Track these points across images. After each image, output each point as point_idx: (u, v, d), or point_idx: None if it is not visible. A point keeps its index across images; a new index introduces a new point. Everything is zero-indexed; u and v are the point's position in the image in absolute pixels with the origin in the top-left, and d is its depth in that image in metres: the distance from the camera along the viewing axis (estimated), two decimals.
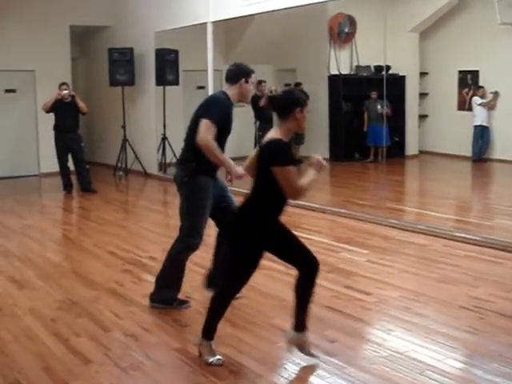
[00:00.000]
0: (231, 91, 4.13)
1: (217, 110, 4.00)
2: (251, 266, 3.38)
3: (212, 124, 3.90)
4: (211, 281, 4.40)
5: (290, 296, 4.49)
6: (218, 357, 3.40)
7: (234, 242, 3.41)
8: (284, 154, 3.19)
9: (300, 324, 3.44)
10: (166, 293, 4.31)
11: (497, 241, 5.73)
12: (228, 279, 3.46)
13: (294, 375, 3.33)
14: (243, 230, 3.32)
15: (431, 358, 3.44)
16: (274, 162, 3.15)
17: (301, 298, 3.43)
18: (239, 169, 3.93)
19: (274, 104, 3.40)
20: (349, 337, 3.77)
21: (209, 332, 3.42)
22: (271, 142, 3.24)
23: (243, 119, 11.27)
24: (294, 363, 3.45)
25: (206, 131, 3.89)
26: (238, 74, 4.13)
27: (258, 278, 4.95)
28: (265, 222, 3.31)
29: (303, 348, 3.46)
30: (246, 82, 4.11)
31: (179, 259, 4.26)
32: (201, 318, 4.10)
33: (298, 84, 11.28)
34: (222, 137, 4.06)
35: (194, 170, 4.07)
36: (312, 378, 3.27)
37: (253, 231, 3.29)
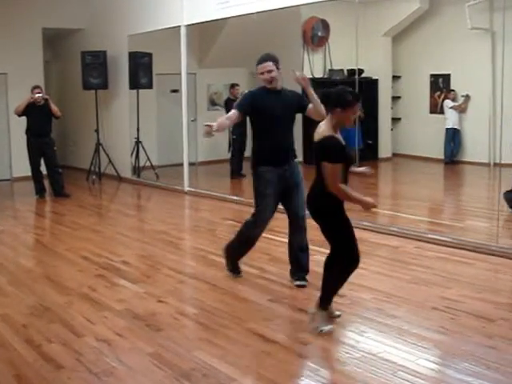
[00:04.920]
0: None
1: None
2: (346, 223, 3.76)
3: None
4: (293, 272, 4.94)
5: (263, 300, 4.54)
6: (331, 326, 3.81)
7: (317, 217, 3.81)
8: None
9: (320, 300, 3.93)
10: None
11: (468, 242, 5.81)
12: (342, 249, 3.82)
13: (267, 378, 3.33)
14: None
15: (403, 358, 3.47)
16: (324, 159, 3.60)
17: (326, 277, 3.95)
18: None
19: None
20: (322, 339, 3.78)
21: (328, 302, 3.87)
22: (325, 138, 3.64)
23: None
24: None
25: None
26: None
27: (231, 282, 4.99)
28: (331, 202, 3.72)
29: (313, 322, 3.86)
30: (261, 74, 4.83)
31: None
32: (174, 322, 4.12)
33: None
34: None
35: None
36: (285, 381, 3.28)
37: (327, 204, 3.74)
